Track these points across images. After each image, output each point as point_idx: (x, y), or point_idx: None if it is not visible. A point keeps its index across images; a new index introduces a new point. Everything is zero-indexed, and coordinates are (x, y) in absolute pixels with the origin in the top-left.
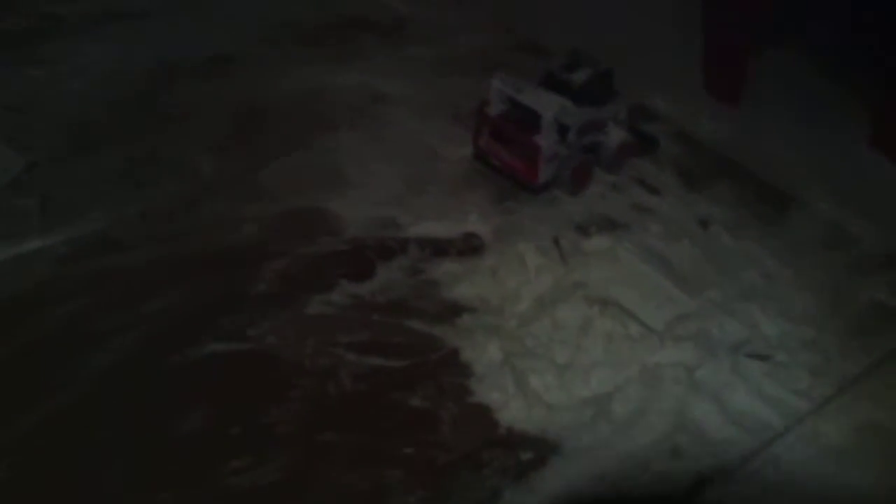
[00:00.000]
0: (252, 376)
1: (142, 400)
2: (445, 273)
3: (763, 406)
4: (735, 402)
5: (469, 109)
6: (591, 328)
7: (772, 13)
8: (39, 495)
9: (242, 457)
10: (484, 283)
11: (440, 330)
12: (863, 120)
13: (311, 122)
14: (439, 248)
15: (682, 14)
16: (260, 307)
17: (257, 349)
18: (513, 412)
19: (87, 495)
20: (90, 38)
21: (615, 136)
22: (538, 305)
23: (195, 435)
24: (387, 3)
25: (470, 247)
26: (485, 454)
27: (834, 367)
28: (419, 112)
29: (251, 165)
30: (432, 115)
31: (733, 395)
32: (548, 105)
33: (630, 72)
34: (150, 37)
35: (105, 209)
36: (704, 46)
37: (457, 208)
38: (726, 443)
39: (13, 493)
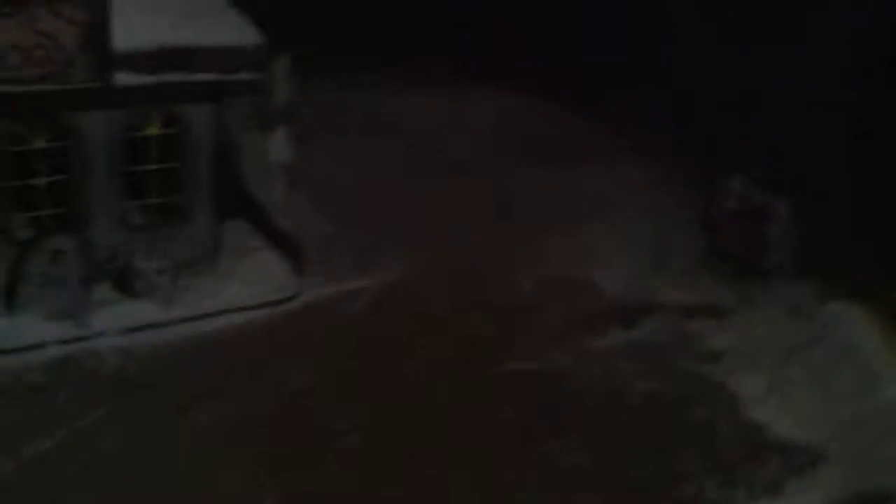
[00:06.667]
0: (548, 390)
1: (459, 402)
2: (701, 327)
3: None
4: None
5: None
6: (839, 370)
7: None
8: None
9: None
10: (738, 335)
11: (706, 369)
12: None
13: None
14: (690, 310)
15: None
16: (547, 340)
17: (551, 369)
18: (783, 427)
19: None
20: None
21: None
22: (790, 352)
23: (508, 425)
24: None
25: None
26: (763, 454)
27: None
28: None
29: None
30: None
31: None
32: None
33: None
34: None
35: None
36: None
37: (700, 283)
38: None
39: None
